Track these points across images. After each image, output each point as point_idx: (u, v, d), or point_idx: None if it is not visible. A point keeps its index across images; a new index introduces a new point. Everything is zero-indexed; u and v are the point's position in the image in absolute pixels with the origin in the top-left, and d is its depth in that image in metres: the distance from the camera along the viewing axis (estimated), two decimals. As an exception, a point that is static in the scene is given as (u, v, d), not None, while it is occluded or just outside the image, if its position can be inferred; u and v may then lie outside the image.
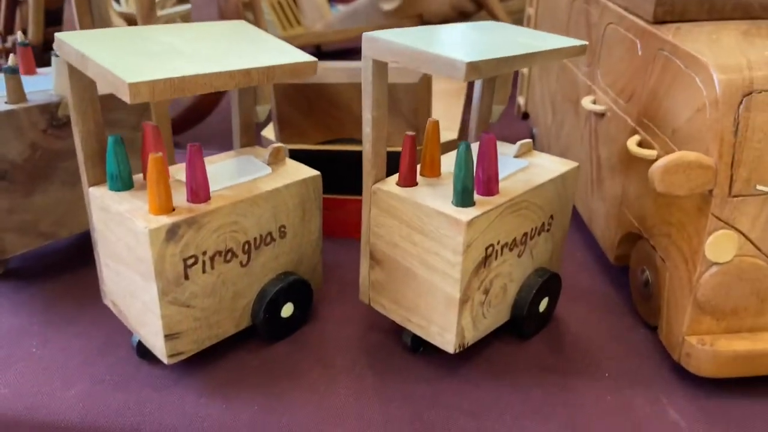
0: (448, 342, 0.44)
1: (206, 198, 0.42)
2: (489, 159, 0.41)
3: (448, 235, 0.40)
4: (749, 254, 0.40)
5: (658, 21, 0.48)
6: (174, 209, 0.41)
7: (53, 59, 0.52)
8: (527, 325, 0.48)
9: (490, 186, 0.42)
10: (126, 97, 0.35)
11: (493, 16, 1.02)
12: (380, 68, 0.42)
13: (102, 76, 0.37)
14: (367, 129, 0.43)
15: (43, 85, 0.55)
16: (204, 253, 0.42)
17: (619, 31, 0.53)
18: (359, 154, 0.60)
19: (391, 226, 0.44)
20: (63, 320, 0.51)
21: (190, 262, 0.41)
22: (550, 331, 0.50)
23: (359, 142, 0.63)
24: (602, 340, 0.49)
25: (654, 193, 0.46)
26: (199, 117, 0.86)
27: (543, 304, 0.49)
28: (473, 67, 0.36)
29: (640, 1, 0.49)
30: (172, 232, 0.40)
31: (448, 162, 0.47)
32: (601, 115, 0.56)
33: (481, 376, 0.46)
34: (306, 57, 0.43)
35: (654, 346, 0.49)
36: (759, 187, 0.38)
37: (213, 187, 0.44)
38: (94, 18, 0.61)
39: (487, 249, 0.42)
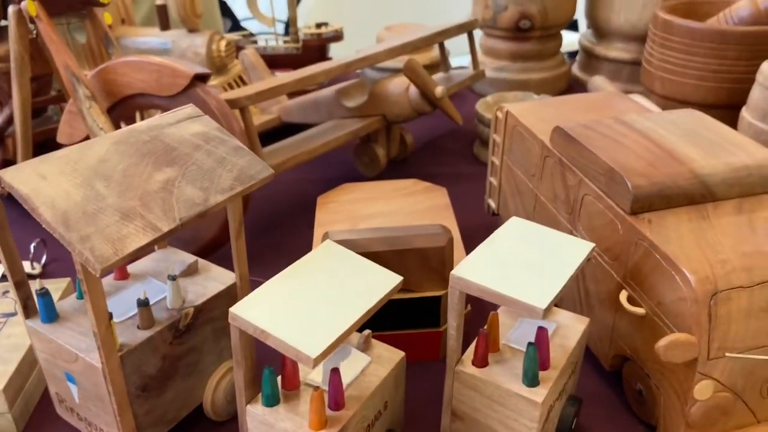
0: (524, 477, 0.60)
1: (344, 405, 0.56)
2: (545, 348, 0.58)
3: (525, 410, 0.57)
4: (721, 391, 0.59)
5: (634, 213, 0.66)
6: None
7: (169, 283, 0.63)
8: (567, 444, 0.65)
9: (545, 364, 0.59)
10: (309, 365, 0.49)
11: (449, 116, 1.19)
12: (463, 296, 0.57)
13: (284, 348, 0.50)
14: (452, 332, 0.59)
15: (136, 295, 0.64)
16: (349, 447, 0.56)
17: (598, 206, 0.71)
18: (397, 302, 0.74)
19: (473, 396, 0.60)
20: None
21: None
22: (577, 438, 0.68)
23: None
24: (617, 440, 0.68)
25: (646, 338, 0.65)
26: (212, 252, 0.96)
27: (573, 423, 0.66)
28: (548, 309, 0.52)
29: (617, 194, 0.67)
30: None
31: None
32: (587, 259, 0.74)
33: (543, 489, 0.63)
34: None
35: (653, 440, 0.68)
36: (727, 354, 0.57)
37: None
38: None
39: (549, 408, 0.59)
